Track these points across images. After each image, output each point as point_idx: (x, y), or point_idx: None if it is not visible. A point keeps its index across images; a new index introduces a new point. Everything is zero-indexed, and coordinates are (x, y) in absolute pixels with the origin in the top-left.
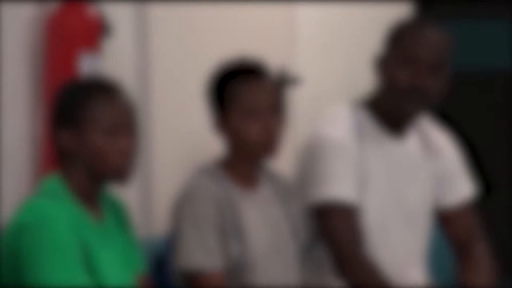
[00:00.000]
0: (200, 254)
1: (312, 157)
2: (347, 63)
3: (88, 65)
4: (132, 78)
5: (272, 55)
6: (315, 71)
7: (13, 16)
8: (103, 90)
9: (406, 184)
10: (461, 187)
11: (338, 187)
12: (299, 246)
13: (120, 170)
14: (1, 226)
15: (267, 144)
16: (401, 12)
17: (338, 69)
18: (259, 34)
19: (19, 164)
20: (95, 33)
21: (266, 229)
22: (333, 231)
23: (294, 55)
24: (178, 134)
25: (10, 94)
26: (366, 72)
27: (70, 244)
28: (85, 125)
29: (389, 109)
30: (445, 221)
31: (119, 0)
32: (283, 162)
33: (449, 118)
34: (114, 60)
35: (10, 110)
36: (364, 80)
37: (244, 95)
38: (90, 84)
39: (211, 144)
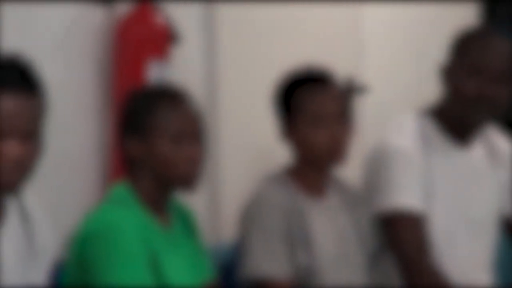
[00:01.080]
0: (268, 263)
1: (378, 166)
2: (414, 71)
3: (156, 72)
4: (200, 86)
5: (339, 62)
6: (382, 80)
7: (83, 23)
8: (170, 98)
9: (472, 193)
10: None
11: (405, 196)
12: (366, 254)
13: (188, 178)
14: (69, 235)
15: (334, 152)
16: (467, 13)
17: (405, 77)
18: (326, 39)
19: (88, 171)
20: (163, 40)
21: (334, 237)
22: (401, 240)
23: (361, 63)
24: (246, 142)
25: (79, 101)
26: (433, 80)
27: (138, 253)
28: (152, 133)
29: (456, 118)
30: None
31: (187, 4)
32: (350, 170)
33: None
34: (182, 68)
35: (79, 117)
36: (431, 88)
37: (311, 103)
38: (158, 91)
39: (278, 152)
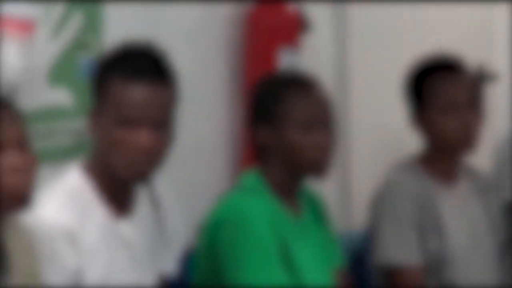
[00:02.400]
0: (400, 251)
1: (510, 154)
2: None
3: (287, 61)
4: (331, 74)
5: (469, 51)
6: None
7: (215, 13)
8: (299, 85)
9: None
10: None
11: None
12: (497, 242)
13: (317, 165)
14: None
15: (465, 139)
16: None
17: None
18: (456, 32)
19: (219, 159)
20: (294, 29)
21: (465, 225)
22: None
23: (491, 51)
24: (376, 129)
25: (211, 91)
26: None
27: (269, 241)
28: (282, 120)
29: None
30: None
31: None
32: (481, 157)
33: None
34: (313, 56)
35: (211, 106)
36: None
37: (442, 90)
38: (286, 79)
39: (409, 139)
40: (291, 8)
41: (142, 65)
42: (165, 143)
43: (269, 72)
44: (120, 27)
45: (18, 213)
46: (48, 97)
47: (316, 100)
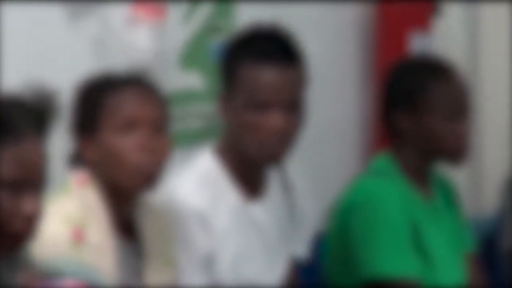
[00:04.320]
0: None
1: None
2: None
3: (419, 45)
4: (462, 58)
5: None
6: None
7: None
8: (442, 73)
9: None
10: None
11: None
12: None
13: (458, 154)
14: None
15: None
16: None
17: None
18: None
19: (350, 142)
20: (426, 12)
21: None
22: None
23: None
24: (508, 115)
25: (342, 74)
26: None
27: (401, 225)
28: (424, 108)
29: None
30: None
31: None
32: None
33: None
34: (444, 40)
35: (341, 89)
36: None
37: None
38: (426, 64)
39: None
40: None
41: (271, 47)
42: (296, 126)
43: (401, 55)
44: (251, 11)
45: (146, 194)
46: (180, 80)
47: (459, 88)
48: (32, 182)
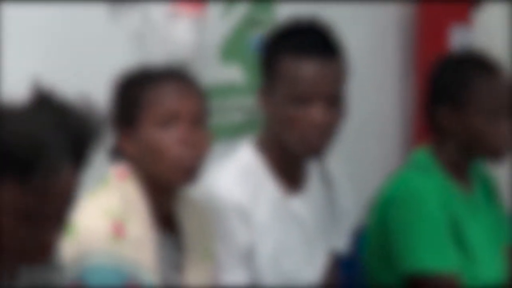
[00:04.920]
0: None
1: None
2: None
3: (459, 38)
4: (504, 52)
5: None
6: None
7: None
8: (485, 70)
9: None
10: None
11: None
12: None
13: (499, 152)
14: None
15: None
16: None
17: None
18: None
19: (390, 136)
20: (467, 6)
21: None
22: None
23: None
24: None
25: (382, 67)
26: None
27: (440, 219)
28: (467, 106)
29: None
30: None
31: None
32: None
33: None
34: (485, 33)
35: (382, 83)
36: None
37: None
38: (470, 61)
39: None
40: None
41: (311, 41)
42: (337, 119)
43: (441, 50)
44: (292, 8)
45: (186, 188)
46: (220, 74)
47: (503, 86)
48: (54, 215)
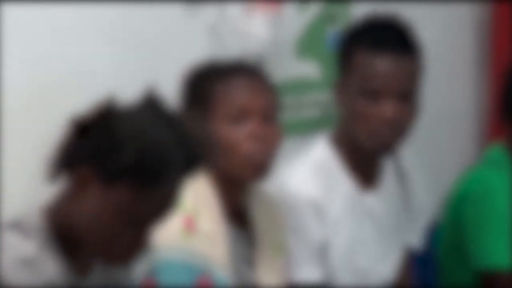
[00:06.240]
0: None
1: None
2: None
3: None
4: None
5: None
6: None
7: None
8: None
9: None
10: None
11: None
12: None
13: None
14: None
15: None
16: None
17: None
18: None
19: (465, 133)
20: None
21: None
22: None
23: None
24: None
25: (457, 65)
26: None
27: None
28: None
29: None
30: None
31: None
32: None
33: None
34: None
35: (457, 80)
36: None
37: None
38: None
39: None
40: None
41: (387, 37)
42: (410, 115)
43: None
44: (368, 6)
45: (258, 183)
46: (296, 69)
47: None
48: (154, 221)
